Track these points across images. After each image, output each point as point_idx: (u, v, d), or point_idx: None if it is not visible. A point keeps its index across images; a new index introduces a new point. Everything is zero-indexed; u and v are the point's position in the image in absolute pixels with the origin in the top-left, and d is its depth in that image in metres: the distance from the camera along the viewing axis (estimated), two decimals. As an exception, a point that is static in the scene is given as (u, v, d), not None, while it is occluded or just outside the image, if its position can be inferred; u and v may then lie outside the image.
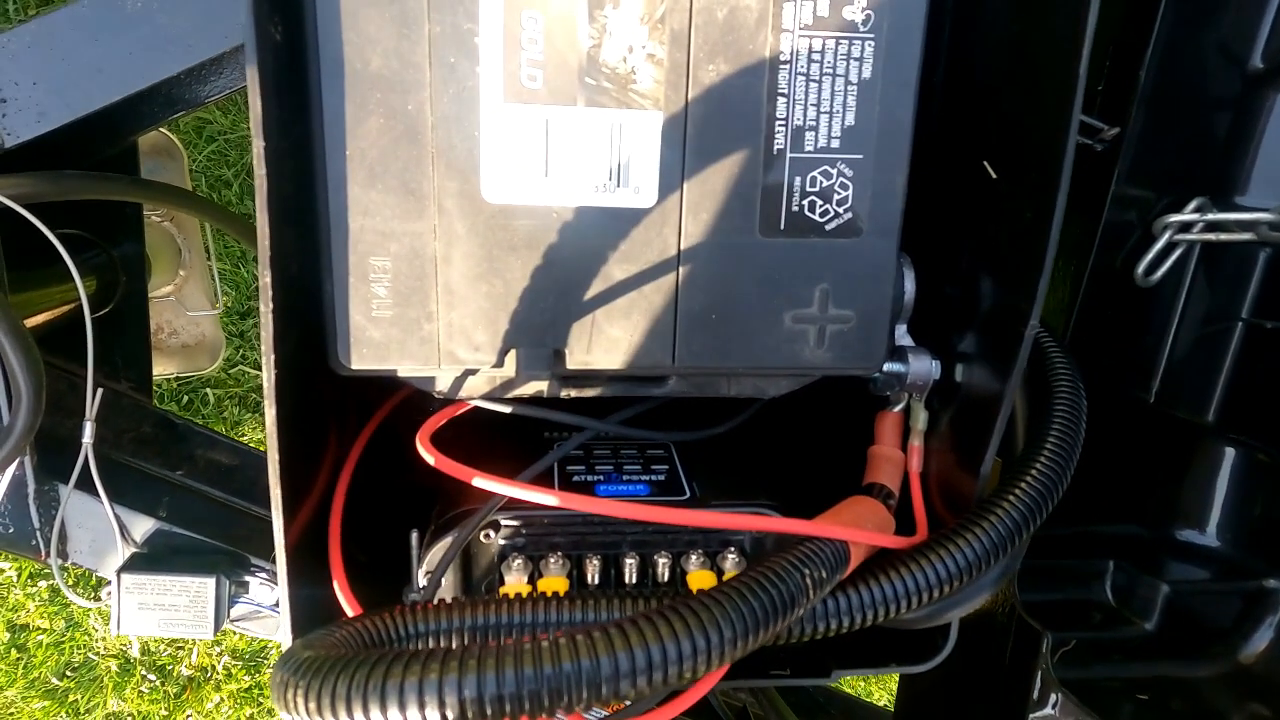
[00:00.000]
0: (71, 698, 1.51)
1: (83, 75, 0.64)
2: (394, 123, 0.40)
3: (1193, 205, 0.56)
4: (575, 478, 0.53)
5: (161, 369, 1.27)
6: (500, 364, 0.45)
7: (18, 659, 1.50)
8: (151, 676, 1.56)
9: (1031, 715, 0.69)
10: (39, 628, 1.51)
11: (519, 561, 0.47)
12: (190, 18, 0.64)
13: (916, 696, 0.88)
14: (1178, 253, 0.58)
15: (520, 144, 0.41)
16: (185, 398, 1.53)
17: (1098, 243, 0.59)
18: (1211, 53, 0.55)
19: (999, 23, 0.48)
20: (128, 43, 0.65)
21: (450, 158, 0.41)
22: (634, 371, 0.46)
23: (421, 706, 0.29)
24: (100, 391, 0.74)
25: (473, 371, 0.46)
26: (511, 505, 0.48)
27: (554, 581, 0.46)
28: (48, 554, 0.76)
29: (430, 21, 0.39)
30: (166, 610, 0.78)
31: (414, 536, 0.47)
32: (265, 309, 0.38)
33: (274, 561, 0.42)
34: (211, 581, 0.78)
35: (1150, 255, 0.57)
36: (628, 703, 0.38)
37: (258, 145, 0.36)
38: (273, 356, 0.39)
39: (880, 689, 1.77)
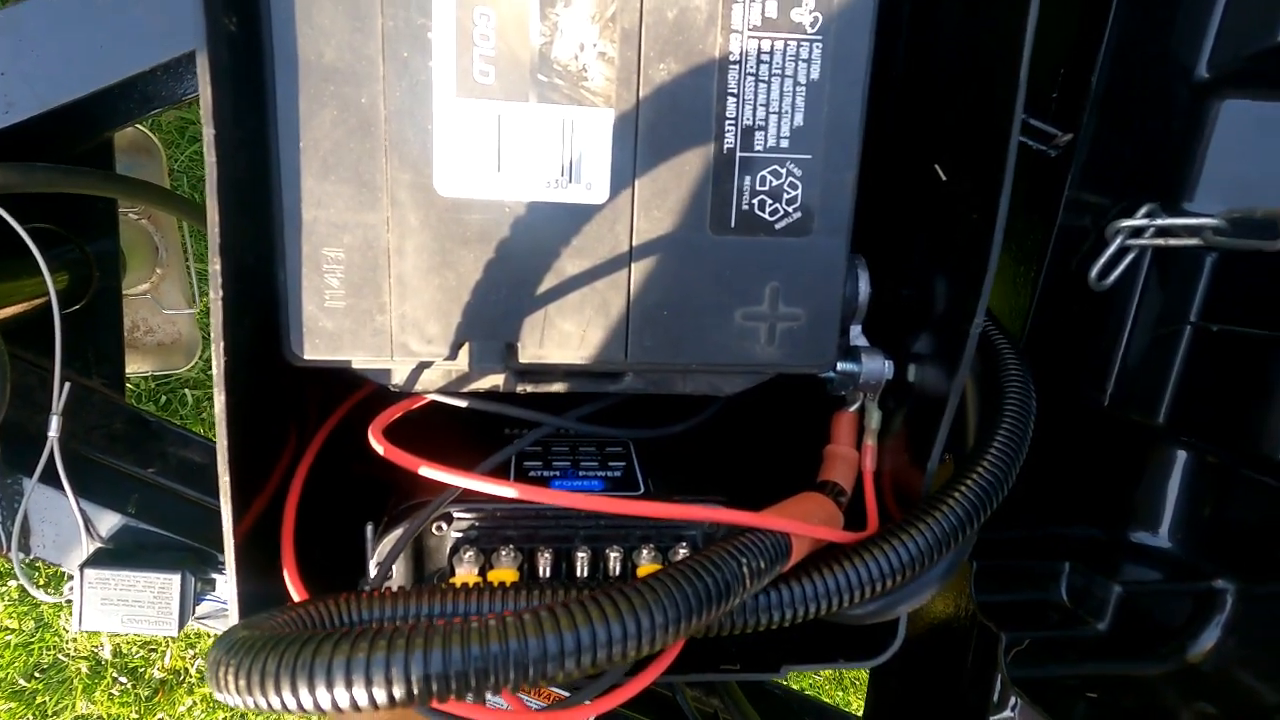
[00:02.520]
0: (39, 700, 1.49)
1: (53, 66, 0.64)
2: (347, 115, 0.41)
3: (1143, 211, 0.57)
4: (531, 473, 0.53)
5: (136, 367, 1.27)
6: (453, 357, 0.45)
7: (-16, 660, 1.48)
8: (123, 679, 1.54)
9: (992, 718, 0.70)
10: (7, 628, 1.49)
11: (470, 554, 0.47)
12: (166, 12, 0.64)
13: (883, 702, 0.89)
14: (1130, 257, 0.59)
15: (472, 138, 0.42)
16: (163, 398, 1.53)
17: (1052, 247, 0.60)
18: (1160, 63, 0.56)
19: (949, 29, 0.50)
20: (100, 35, 0.65)
21: (403, 151, 0.42)
22: (587, 366, 0.47)
23: (349, 685, 0.29)
24: (68, 386, 0.74)
25: (427, 364, 0.47)
26: (465, 499, 0.48)
27: (504, 574, 0.47)
28: (9, 548, 0.76)
29: (383, 15, 0.40)
30: (130, 606, 0.78)
31: (369, 529, 0.48)
32: (215, 296, 0.39)
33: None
34: (176, 578, 0.78)
35: (1103, 259, 0.58)
36: (566, 694, 0.38)
37: (208, 133, 0.37)
38: (222, 344, 0.39)
39: (858, 699, 1.78)
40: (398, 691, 0.29)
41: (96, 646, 1.53)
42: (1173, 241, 0.56)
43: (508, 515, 0.48)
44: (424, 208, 0.43)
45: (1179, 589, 0.62)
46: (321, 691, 0.29)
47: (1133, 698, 0.60)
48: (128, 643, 1.54)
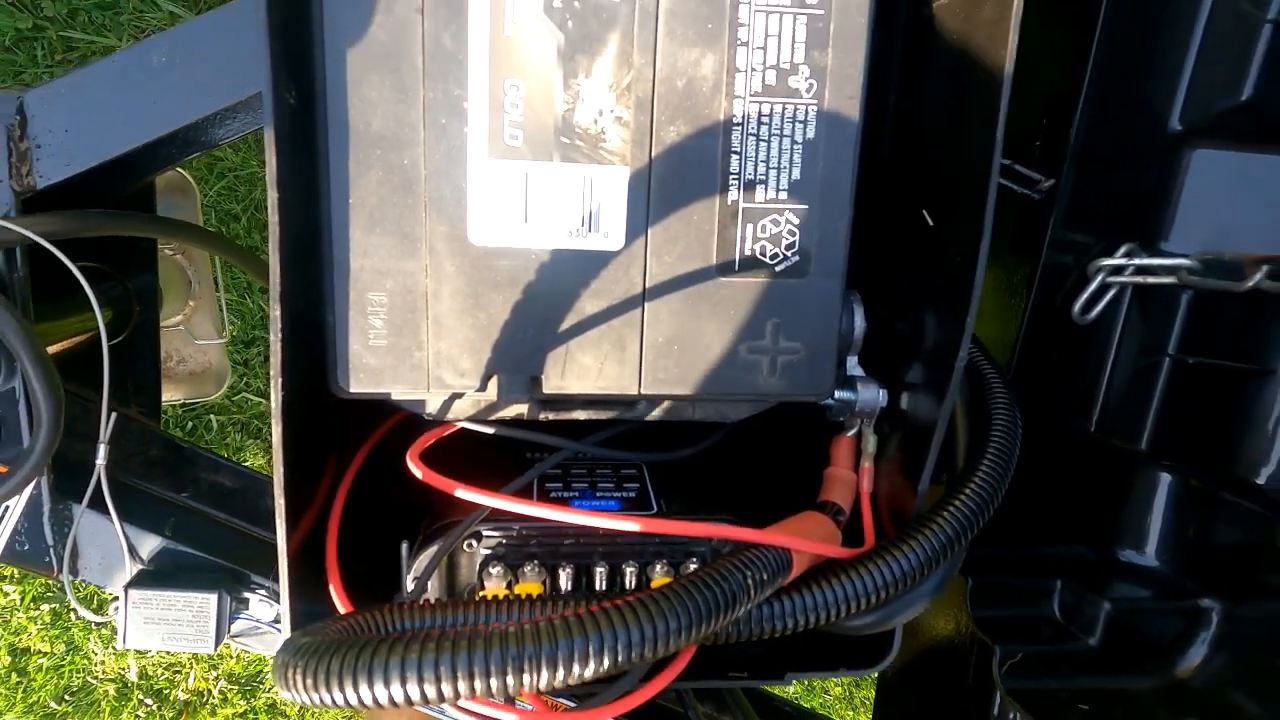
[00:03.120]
0: (69, 722, 1.53)
1: (111, 123, 0.69)
2: (391, 175, 0.46)
3: (1122, 250, 0.61)
4: (553, 494, 0.57)
5: (170, 395, 1.32)
6: (483, 388, 0.50)
7: (17, 683, 1.52)
8: (148, 700, 1.58)
9: (991, 732, 0.73)
10: (39, 651, 1.53)
11: (498, 569, 0.51)
12: (209, 69, 0.69)
13: (889, 717, 0.92)
14: (1111, 293, 0.63)
15: (503, 194, 0.47)
16: (190, 424, 1.58)
17: (1037, 284, 0.64)
18: (1135, 115, 0.60)
19: (934, 92, 0.54)
20: (153, 93, 0.70)
21: (441, 206, 0.47)
22: (605, 396, 0.51)
23: (404, 682, 0.33)
24: (114, 416, 0.79)
25: (459, 395, 0.51)
26: (493, 518, 0.52)
27: (529, 588, 0.51)
28: (60, 570, 0.80)
29: (425, 88, 0.45)
30: (171, 625, 0.82)
31: (404, 546, 0.52)
32: (275, 339, 0.43)
33: (274, 578, 0.46)
34: (214, 598, 0.82)
35: (1085, 295, 0.62)
36: (570, 705, 0.42)
37: (272, 196, 0.42)
38: (280, 380, 0.44)
39: (867, 718, 1.79)
40: (446, 688, 0.33)
41: (124, 669, 1.57)
42: (1151, 279, 0.60)
43: (532, 533, 0.52)
44: (459, 256, 0.47)
45: (1166, 607, 0.65)
46: (380, 688, 0.33)
47: (1123, 711, 0.63)
48: (153, 664, 1.58)
